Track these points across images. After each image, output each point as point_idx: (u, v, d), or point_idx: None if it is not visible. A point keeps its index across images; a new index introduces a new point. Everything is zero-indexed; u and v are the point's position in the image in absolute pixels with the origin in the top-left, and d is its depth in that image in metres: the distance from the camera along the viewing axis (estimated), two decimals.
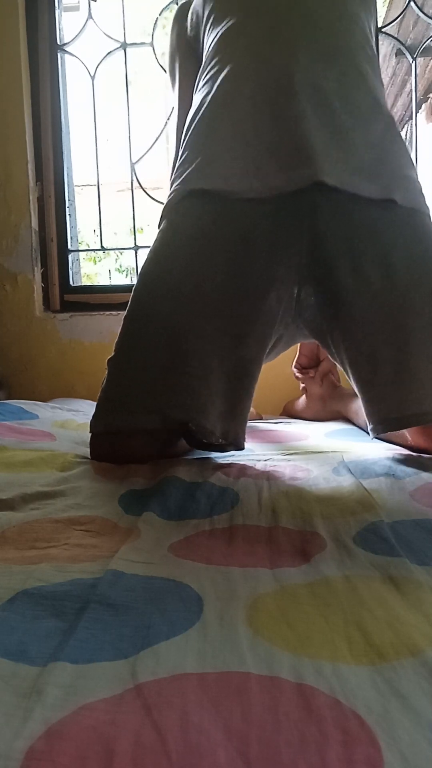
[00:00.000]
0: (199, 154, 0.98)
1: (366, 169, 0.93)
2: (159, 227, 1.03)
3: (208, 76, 1.04)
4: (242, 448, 0.98)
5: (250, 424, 1.13)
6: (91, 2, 1.85)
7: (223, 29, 1.05)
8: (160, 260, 0.98)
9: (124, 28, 1.87)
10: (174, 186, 1.01)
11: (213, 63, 1.04)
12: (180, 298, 0.92)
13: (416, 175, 1.00)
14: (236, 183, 0.93)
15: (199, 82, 1.08)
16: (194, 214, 0.96)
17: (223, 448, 0.97)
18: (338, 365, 1.00)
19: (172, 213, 1.00)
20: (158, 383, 0.92)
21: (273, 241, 0.91)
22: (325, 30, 1.01)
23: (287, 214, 0.91)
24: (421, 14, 1.83)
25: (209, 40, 1.09)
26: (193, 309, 0.91)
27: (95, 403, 0.99)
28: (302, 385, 1.52)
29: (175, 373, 0.91)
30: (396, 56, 3.31)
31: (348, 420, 1.37)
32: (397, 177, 0.96)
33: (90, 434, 0.98)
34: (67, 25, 1.91)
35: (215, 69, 1.03)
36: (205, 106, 1.01)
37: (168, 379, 0.91)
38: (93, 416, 0.98)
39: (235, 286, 0.91)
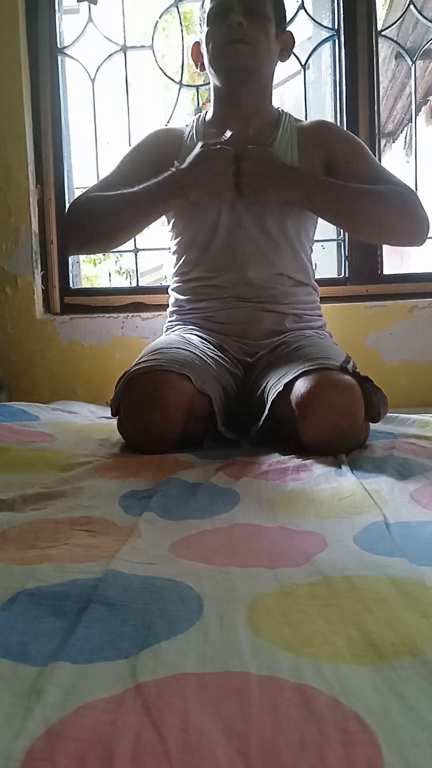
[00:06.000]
0: None
1: None
2: None
3: None
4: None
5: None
6: (91, 5, 1.86)
7: None
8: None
9: (124, 31, 1.87)
10: None
11: None
12: None
13: None
14: None
15: None
16: None
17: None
18: None
19: None
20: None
21: None
22: None
23: None
24: (420, 17, 1.84)
25: None
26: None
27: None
28: None
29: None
30: (395, 59, 3.31)
31: None
32: None
33: (124, 381, 1.05)
34: (67, 28, 1.91)
35: None
36: None
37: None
38: (125, 373, 1.08)
39: None
